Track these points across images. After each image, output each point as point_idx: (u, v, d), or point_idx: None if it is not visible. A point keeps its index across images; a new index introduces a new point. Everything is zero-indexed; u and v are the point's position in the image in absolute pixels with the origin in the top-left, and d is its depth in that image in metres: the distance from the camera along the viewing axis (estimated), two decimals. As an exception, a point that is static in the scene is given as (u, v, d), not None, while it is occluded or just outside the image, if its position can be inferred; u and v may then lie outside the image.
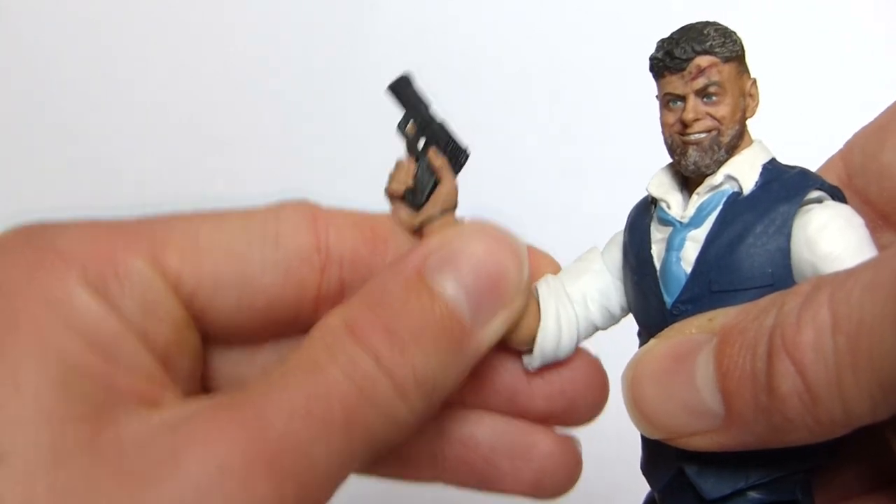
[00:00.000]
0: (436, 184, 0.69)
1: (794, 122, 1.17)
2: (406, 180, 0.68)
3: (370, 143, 1.45)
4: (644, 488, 0.72)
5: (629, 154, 1.07)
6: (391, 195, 0.69)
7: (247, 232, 0.62)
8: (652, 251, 0.68)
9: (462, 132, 0.72)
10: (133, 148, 1.54)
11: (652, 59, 0.67)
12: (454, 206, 0.70)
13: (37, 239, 0.56)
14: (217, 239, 0.61)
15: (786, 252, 0.64)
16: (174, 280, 0.58)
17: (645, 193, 0.71)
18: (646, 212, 0.71)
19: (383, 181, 0.70)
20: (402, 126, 0.69)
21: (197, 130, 1.55)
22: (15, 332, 0.50)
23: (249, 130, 1.55)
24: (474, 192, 0.97)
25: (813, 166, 0.69)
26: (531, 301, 0.70)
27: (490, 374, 0.72)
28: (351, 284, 0.65)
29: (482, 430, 0.73)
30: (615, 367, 0.68)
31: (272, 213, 0.64)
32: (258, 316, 0.62)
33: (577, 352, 0.74)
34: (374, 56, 1.54)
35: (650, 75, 0.68)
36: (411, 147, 0.69)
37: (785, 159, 0.68)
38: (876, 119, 0.70)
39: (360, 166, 1.45)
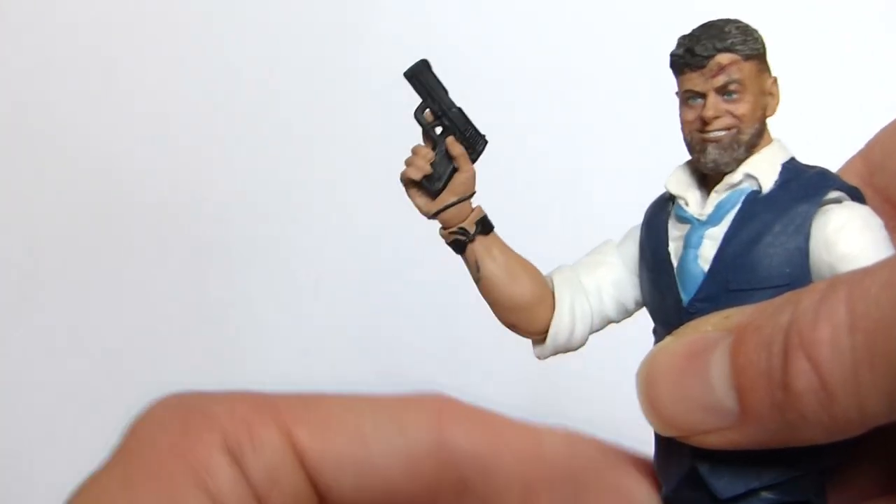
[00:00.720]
0: (454, 171, 0.69)
1: (814, 121, 1.17)
2: (424, 167, 0.68)
3: (369, 143, 1.45)
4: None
5: (642, 151, 1.08)
6: (407, 181, 0.69)
7: (374, 415, 0.63)
8: (669, 248, 0.69)
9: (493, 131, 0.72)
10: (132, 148, 1.54)
11: (672, 55, 0.67)
12: (472, 195, 0.71)
13: (188, 402, 0.59)
14: (345, 419, 0.62)
15: (804, 252, 0.64)
16: (301, 454, 0.60)
17: (660, 191, 0.71)
18: (663, 209, 0.71)
19: (383, 180, 0.70)
20: (419, 113, 0.69)
21: (197, 131, 1.54)
22: (148, 487, 0.53)
23: (249, 131, 1.55)
24: (484, 192, 0.97)
25: (832, 165, 0.69)
26: (545, 290, 0.71)
27: None
28: (471, 481, 0.67)
29: None
30: (631, 365, 0.68)
31: (401, 401, 0.64)
32: (375, 501, 0.64)
33: None
34: (375, 55, 1.54)
35: (664, 73, 0.69)
36: (428, 134, 0.70)
37: (804, 158, 0.68)
38: None
39: (360, 167, 1.45)
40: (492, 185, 1.28)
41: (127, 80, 1.56)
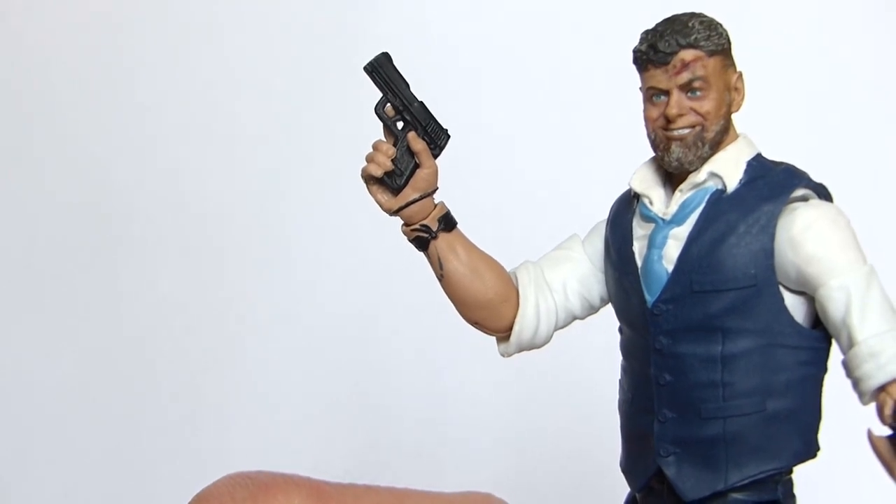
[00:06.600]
0: (416, 166, 0.69)
1: (784, 115, 1.16)
2: (384, 163, 0.68)
3: (369, 144, 1.43)
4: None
5: (621, 145, 1.07)
6: (368, 177, 0.69)
7: None
8: (634, 248, 0.69)
9: (461, 127, 0.71)
10: (131, 149, 1.54)
11: (635, 51, 0.67)
12: (434, 190, 0.70)
13: (253, 477, 0.63)
14: None
15: (769, 252, 0.64)
16: None
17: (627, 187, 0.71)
18: (628, 207, 0.70)
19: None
20: (379, 107, 0.69)
21: (196, 133, 1.54)
22: None
23: (245, 131, 1.55)
24: (473, 187, 0.96)
25: (802, 159, 0.69)
26: (510, 287, 0.71)
27: None
28: None
29: None
30: (598, 361, 0.67)
31: (450, 500, 0.67)
32: None
33: None
34: (373, 55, 1.51)
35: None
36: (389, 129, 0.69)
37: (773, 153, 0.68)
38: None
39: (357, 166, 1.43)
40: (488, 177, 1.28)
41: (126, 81, 1.54)
